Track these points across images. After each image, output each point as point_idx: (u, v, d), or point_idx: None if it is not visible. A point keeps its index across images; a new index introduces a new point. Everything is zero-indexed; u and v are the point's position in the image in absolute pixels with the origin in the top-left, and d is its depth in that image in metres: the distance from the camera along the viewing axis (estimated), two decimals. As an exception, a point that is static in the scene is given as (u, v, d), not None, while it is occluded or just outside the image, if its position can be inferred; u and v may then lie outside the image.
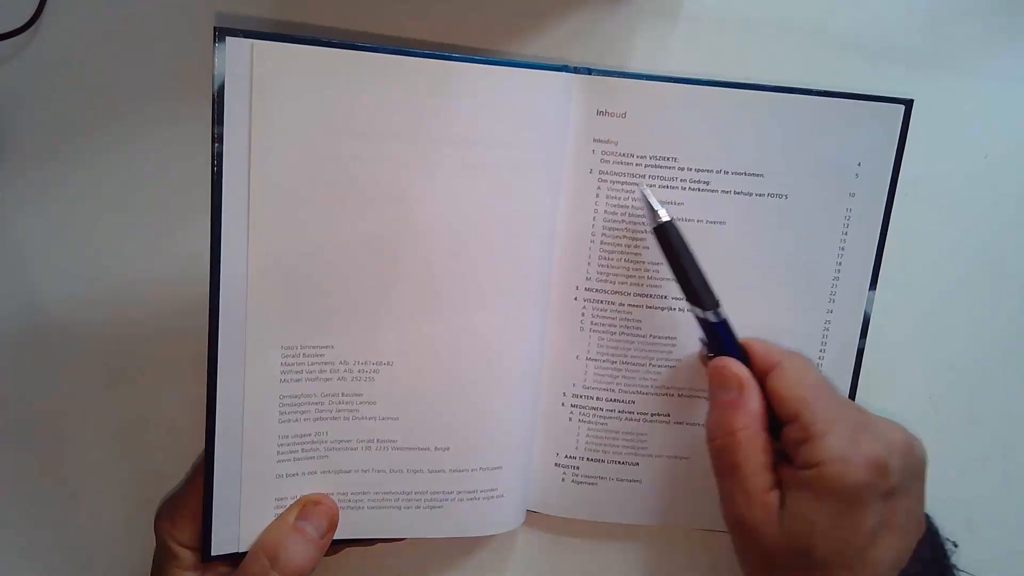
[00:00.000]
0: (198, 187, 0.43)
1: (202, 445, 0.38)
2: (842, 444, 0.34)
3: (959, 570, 0.38)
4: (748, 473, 0.36)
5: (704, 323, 0.39)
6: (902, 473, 0.35)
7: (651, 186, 0.42)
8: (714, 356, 0.39)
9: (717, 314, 0.39)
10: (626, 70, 0.42)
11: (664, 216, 0.39)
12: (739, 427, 0.36)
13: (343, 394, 0.40)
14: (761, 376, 0.38)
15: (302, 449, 0.40)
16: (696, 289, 0.39)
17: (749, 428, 0.36)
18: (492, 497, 0.43)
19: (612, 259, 0.43)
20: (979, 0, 0.45)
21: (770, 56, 0.44)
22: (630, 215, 0.42)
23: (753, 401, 0.37)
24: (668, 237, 0.39)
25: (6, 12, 0.42)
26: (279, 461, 0.40)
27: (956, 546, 0.38)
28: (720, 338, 0.39)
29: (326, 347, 0.39)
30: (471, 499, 0.42)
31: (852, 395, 0.44)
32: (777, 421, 0.37)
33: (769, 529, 0.35)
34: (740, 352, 0.39)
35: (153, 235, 0.44)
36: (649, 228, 0.40)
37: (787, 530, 0.35)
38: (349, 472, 0.41)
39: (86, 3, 0.43)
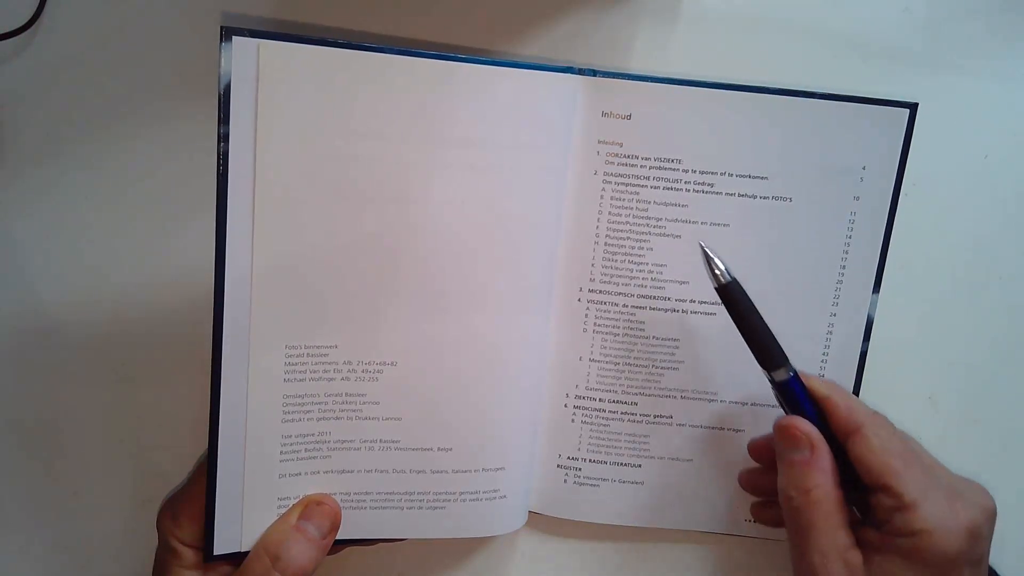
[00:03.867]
0: (199, 187, 0.43)
1: (204, 445, 0.38)
2: (941, 513, 0.35)
3: None
4: (825, 531, 0.36)
5: (774, 381, 0.39)
6: (990, 539, 0.36)
7: (656, 188, 0.42)
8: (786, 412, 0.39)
9: (787, 370, 0.38)
10: (626, 71, 0.42)
11: (725, 277, 0.38)
12: (814, 485, 0.36)
13: (346, 394, 0.40)
14: (843, 437, 0.37)
15: (305, 449, 0.40)
16: (766, 347, 0.38)
17: (824, 487, 0.36)
18: (494, 498, 0.43)
19: (616, 261, 0.43)
20: (979, 0, 0.45)
21: (767, 56, 0.44)
22: (634, 217, 0.42)
23: (825, 459, 0.37)
24: (733, 297, 0.38)
25: (6, 12, 0.42)
26: (282, 461, 0.40)
27: None
28: (794, 393, 0.38)
29: (330, 347, 0.39)
30: (473, 500, 0.42)
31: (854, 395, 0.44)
32: (860, 483, 0.37)
33: None
34: (812, 405, 0.38)
35: (153, 235, 0.44)
36: (712, 286, 0.39)
37: None
38: (352, 472, 0.41)
39: (86, 3, 0.43)
